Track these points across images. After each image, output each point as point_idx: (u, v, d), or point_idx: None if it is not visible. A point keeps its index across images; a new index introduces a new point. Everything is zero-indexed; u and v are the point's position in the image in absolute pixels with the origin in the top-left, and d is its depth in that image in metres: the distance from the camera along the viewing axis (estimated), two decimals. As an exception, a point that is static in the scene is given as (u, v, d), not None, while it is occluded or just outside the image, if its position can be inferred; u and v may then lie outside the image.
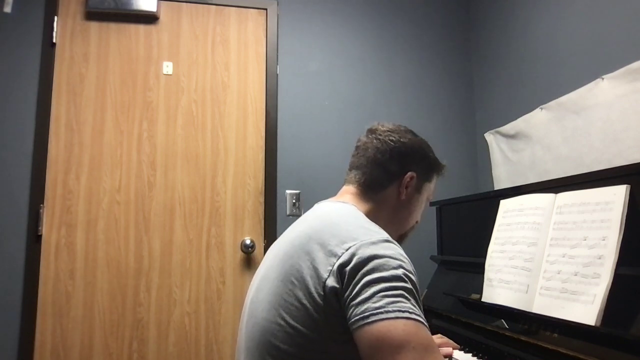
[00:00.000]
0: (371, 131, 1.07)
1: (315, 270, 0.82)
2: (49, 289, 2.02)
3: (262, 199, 2.25)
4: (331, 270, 0.81)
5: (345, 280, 0.79)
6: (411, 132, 1.08)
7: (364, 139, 1.07)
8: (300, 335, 0.81)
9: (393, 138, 1.03)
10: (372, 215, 0.99)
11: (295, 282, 0.84)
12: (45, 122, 2.09)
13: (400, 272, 0.79)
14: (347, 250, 0.81)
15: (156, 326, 2.09)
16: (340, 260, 0.81)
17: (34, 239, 2.02)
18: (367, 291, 0.76)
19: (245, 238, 2.21)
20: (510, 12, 2.24)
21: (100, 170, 2.13)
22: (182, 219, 2.17)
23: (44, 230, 2.05)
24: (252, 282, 1.02)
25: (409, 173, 1.03)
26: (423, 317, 0.78)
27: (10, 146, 2.05)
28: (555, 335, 1.09)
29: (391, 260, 0.80)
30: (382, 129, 1.06)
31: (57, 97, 2.13)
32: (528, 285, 1.21)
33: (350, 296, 0.78)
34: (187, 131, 2.23)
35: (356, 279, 0.78)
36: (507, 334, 1.24)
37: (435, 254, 1.96)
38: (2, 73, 2.08)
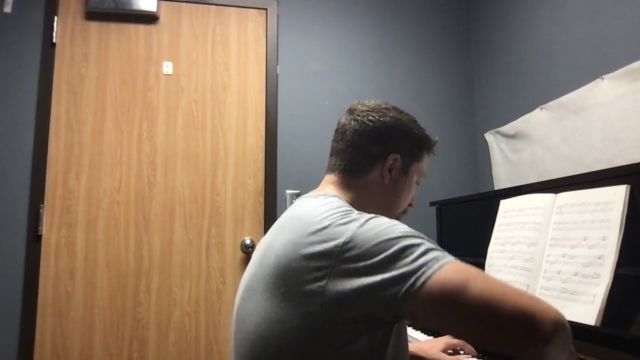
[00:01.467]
0: (350, 111, 0.99)
1: (308, 277, 0.77)
2: (49, 289, 2.02)
3: (262, 199, 2.25)
4: (328, 273, 0.75)
5: (354, 275, 0.74)
6: (395, 109, 0.99)
7: (343, 120, 1.00)
8: (293, 347, 0.77)
9: (372, 118, 0.95)
10: (357, 203, 0.93)
11: (286, 294, 0.78)
12: (45, 122, 2.09)
13: (403, 233, 0.75)
14: (340, 246, 0.76)
15: (156, 326, 2.09)
16: (336, 260, 0.75)
17: (34, 239, 2.02)
18: (392, 268, 0.72)
19: (245, 238, 2.21)
20: (510, 12, 2.24)
21: (100, 170, 2.13)
22: (182, 219, 2.17)
23: (44, 230, 2.04)
24: (238, 289, 0.95)
25: (392, 155, 0.95)
26: (450, 255, 0.75)
27: (10, 146, 2.05)
28: (555, 335, 1.09)
29: (389, 230, 0.76)
30: (360, 108, 0.98)
31: (57, 97, 2.13)
32: (528, 285, 1.21)
33: (374, 284, 0.72)
34: (187, 131, 2.23)
35: (369, 267, 0.73)
36: (507, 334, 1.24)
37: (435, 254, 1.96)
38: (2, 73, 2.08)
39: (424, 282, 0.70)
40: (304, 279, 0.77)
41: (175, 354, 2.09)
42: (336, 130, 1.01)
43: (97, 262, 2.08)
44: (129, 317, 2.07)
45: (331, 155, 1.01)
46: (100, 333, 2.04)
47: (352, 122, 0.97)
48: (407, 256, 0.73)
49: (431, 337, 1.48)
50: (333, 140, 1.01)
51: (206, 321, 2.14)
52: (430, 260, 0.72)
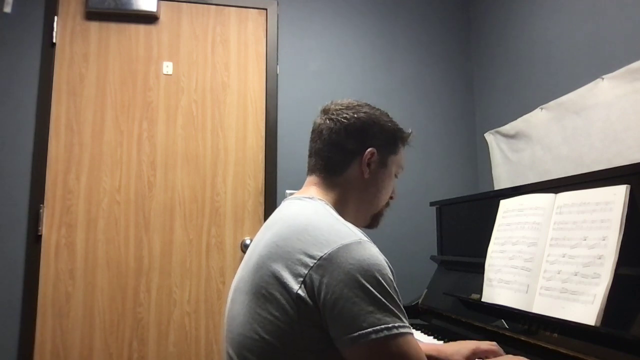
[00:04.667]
0: (324, 111, 1.01)
1: (285, 281, 0.78)
2: (49, 289, 2.02)
3: (262, 199, 2.25)
4: (303, 281, 0.77)
5: (322, 292, 0.76)
6: (367, 105, 1.01)
7: (318, 120, 1.02)
8: (275, 349, 0.78)
9: (346, 115, 0.97)
10: (340, 202, 0.95)
11: (267, 294, 0.80)
12: (45, 122, 2.09)
13: (380, 278, 0.77)
14: (318, 259, 0.77)
15: (156, 326, 2.09)
16: (313, 270, 0.77)
17: (34, 239, 2.02)
18: (351, 308, 0.74)
19: (245, 238, 2.21)
20: (510, 12, 2.24)
21: (100, 170, 2.13)
22: (182, 219, 2.17)
23: (44, 230, 2.04)
24: (229, 292, 0.97)
25: (369, 149, 0.97)
26: (408, 324, 0.77)
27: (10, 146, 2.05)
28: (555, 335, 1.09)
29: (368, 267, 0.76)
30: (334, 107, 1.00)
31: (57, 97, 2.13)
32: (528, 285, 1.21)
33: (335, 312, 0.75)
34: (187, 131, 2.23)
35: (336, 293, 0.75)
36: (507, 334, 1.24)
37: (435, 254, 1.96)
38: (2, 73, 2.08)
39: (364, 342, 0.73)
40: (283, 282, 0.79)
41: (175, 354, 2.09)
42: (312, 131, 1.03)
43: (97, 262, 2.08)
44: (129, 317, 2.07)
45: (310, 156, 1.04)
46: (100, 333, 2.04)
47: (328, 121, 0.99)
48: (364, 306, 0.74)
49: (439, 342, 1.48)
50: (310, 140, 1.04)
51: (206, 321, 2.14)
52: (379, 322, 0.74)
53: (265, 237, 0.90)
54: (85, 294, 2.05)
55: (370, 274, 0.76)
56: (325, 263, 0.77)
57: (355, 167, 0.97)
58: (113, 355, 2.04)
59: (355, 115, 0.98)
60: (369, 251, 0.79)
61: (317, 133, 1.01)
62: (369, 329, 0.73)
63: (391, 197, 1.06)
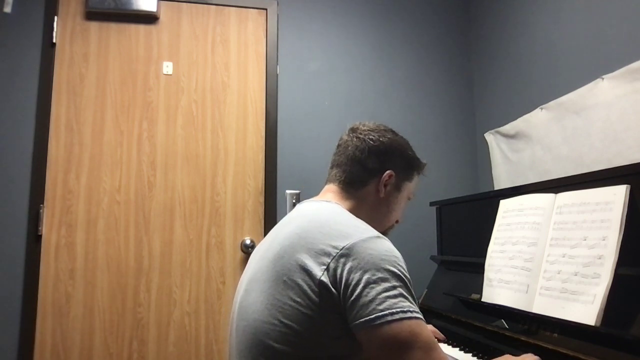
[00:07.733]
0: (352, 130, 1.10)
1: (309, 269, 0.84)
2: (49, 289, 2.02)
3: (262, 199, 2.25)
4: (326, 268, 0.83)
5: (344, 279, 0.82)
6: (392, 131, 1.11)
7: (345, 137, 1.10)
8: (295, 333, 0.83)
9: (372, 137, 1.06)
10: (353, 212, 1.01)
11: (288, 281, 0.85)
12: (45, 122, 2.09)
13: (395, 269, 0.83)
14: (341, 249, 0.84)
15: (156, 326, 2.09)
16: (336, 259, 0.83)
17: (34, 239, 2.02)
18: (369, 292, 0.80)
19: (245, 238, 2.21)
20: (510, 12, 2.24)
21: (100, 170, 2.13)
22: (182, 219, 2.17)
23: (44, 230, 2.04)
24: (239, 286, 1.03)
25: (388, 171, 1.05)
26: (420, 312, 0.83)
27: (10, 146, 2.05)
28: (555, 335, 1.09)
29: (386, 258, 0.84)
30: (362, 128, 1.09)
31: (57, 97, 2.13)
32: (528, 285, 1.21)
33: (353, 297, 0.80)
34: (187, 131, 2.23)
35: (355, 279, 0.81)
36: (507, 334, 1.25)
37: (435, 254, 1.96)
38: (2, 73, 2.08)
39: (380, 324, 0.78)
40: (305, 270, 0.85)
41: (175, 354, 2.09)
42: (338, 146, 1.11)
43: (97, 262, 2.08)
44: (129, 317, 2.07)
45: (332, 167, 1.11)
46: (100, 333, 2.04)
47: (355, 140, 1.08)
48: (381, 292, 0.80)
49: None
50: (335, 154, 1.11)
51: (206, 321, 2.14)
52: (395, 306, 0.80)
53: (285, 230, 0.96)
54: (85, 294, 2.05)
55: (387, 264, 0.83)
56: (348, 252, 0.83)
57: (373, 186, 1.06)
58: (113, 355, 2.04)
59: (381, 139, 1.07)
60: (387, 245, 0.87)
61: (342, 148, 1.10)
62: (386, 312, 0.79)
63: (397, 221, 1.14)
